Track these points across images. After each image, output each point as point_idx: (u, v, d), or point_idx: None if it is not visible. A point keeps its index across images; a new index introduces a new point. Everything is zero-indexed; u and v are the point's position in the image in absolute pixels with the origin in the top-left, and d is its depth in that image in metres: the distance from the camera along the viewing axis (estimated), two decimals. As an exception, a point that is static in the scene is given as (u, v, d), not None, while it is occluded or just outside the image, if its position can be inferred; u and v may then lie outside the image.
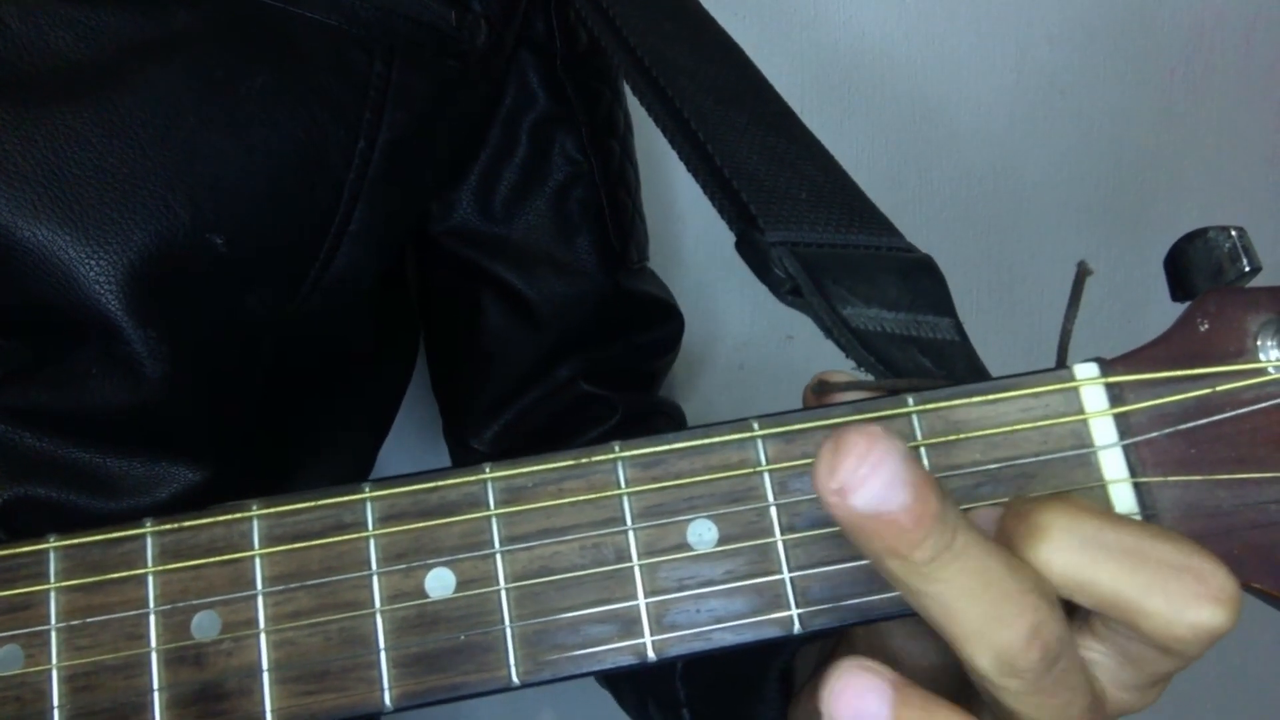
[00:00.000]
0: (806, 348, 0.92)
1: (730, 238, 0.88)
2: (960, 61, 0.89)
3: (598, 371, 0.59)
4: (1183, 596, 0.26)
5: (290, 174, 0.45)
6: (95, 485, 0.43)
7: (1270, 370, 0.31)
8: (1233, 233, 0.33)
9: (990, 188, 0.92)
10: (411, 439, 0.72)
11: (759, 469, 0.31)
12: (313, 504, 0.31)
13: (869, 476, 0.24)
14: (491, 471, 0.31)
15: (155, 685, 0.31)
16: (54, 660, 0.31)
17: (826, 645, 0.42)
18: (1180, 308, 0.33)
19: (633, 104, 0.63)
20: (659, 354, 0.63)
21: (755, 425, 0.31)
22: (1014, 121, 0.91)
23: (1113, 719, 0.30)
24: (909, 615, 0.30)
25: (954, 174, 0.91)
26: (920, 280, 0.37)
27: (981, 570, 0.25)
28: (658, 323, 0.62)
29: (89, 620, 0.31)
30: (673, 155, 0.83)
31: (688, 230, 0.84)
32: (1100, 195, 0.94)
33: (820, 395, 0.32)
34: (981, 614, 0.25)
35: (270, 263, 0.46)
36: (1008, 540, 0.27)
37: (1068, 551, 0.26)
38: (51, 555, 0.31)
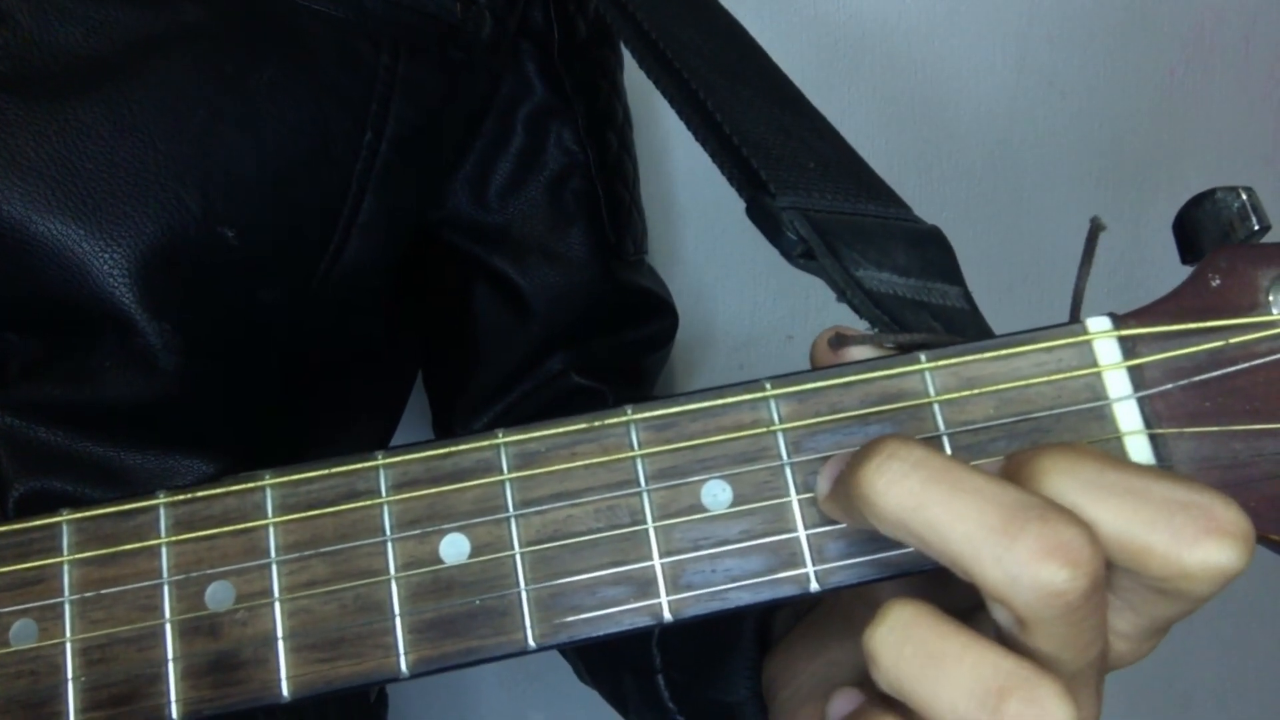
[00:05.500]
0: (806, 347, 0.91)
1: (730, 238, 0.88)
2: (960, 61, 0.89)
3: (589, 365, 0.59)
4: (1189, 532, 0.25)
5: (299, 166, 0.45)
6: (110, 478, 0.44)
7: (1283, 324, 0.31)
8: (1242, 193, 0.33)
9: (990, 188, 0.92)
10: (408, 432, 0.72)
11: (772, 428, 0.31)
12: (325, 472, 0.31)
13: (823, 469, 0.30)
14: (504, 436, 0.31)
15: (170, 656, 0.30)
16: (68, 633, 0.31)
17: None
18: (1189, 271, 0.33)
19: (633, 100, 0.63)
20: (651, 349, 0.63)
21: (768, 385, 0.31)
22: (1014, 121, 0.92)
23: (1110, 669, 0.29)
24: (925, 570, 0.30)
25: (954, 174, 0.91)
26: (929, 249, 0.37)
27: (957, 480, 0.25)
28: (651, 317, 0.62)
29: (103, 592, 0.31)
30: (673, 154, 0.84)
31: (687, 230, 0.84)
32: (1100, 195, 0.94)
33: (836, 347, 0.32)
34: (977, 527, 0.25)
35: (281, 255, 0.46)
36: None
37: (1070, 493, 0.26)
38: (64, 529, 0.31)
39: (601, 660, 0.54)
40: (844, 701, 0.29)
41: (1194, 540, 0.25)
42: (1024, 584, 0.24)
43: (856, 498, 0.27)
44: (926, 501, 0.26)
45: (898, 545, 0.29)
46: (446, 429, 0.61)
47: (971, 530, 0.25)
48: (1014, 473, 0.27)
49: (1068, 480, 0.26)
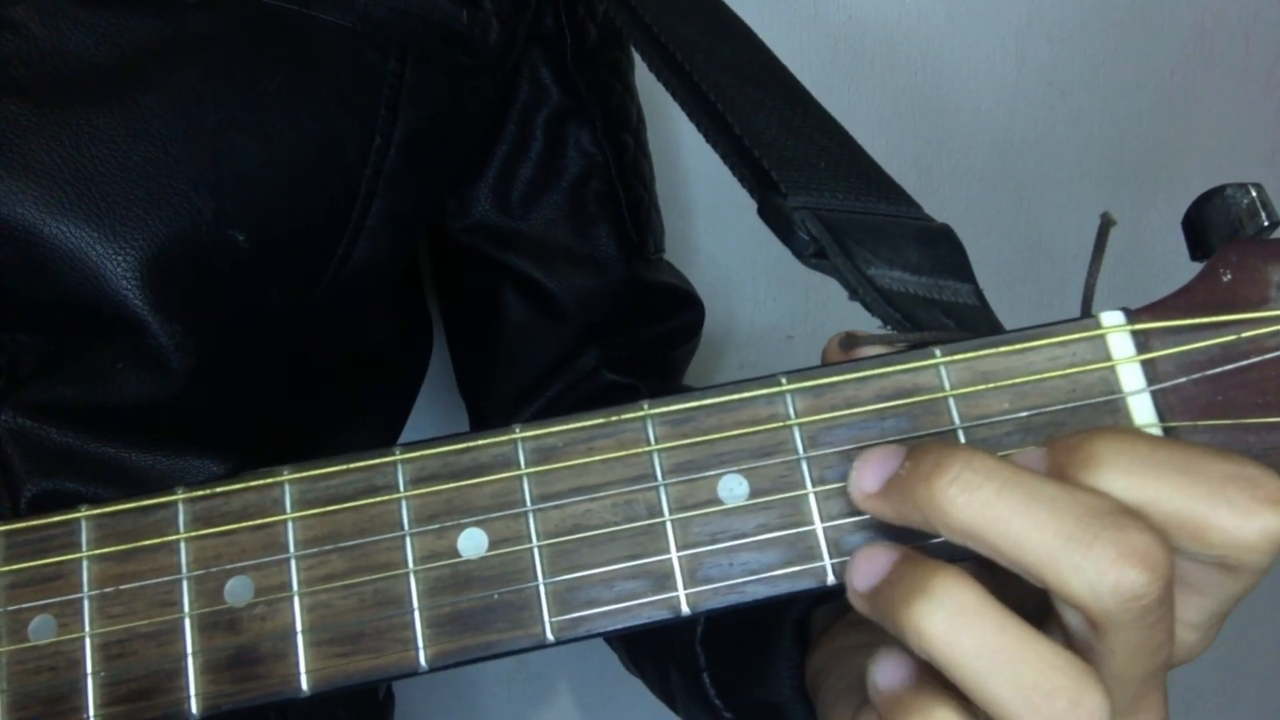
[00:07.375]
0: (806, 347, 0.92)
1: (729, 238, 0.88)
2: (960, 61, 0.89)
3: (621, 360, 0.59)
4: (1243, 502, 0.26)
5: (309, 170, 0.46)
6: (122, 479, 0.44)
7: (1293, 319, 0.31)
8: (1251, 189, 0.33)
9: (990, 187, 0.92)
10: (422, 432, 0.72)
11: (789, 423, 0.31)
12: (344, 468, 0.31)
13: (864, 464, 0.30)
14: (522, 432, 0.32)
15: (189, 651, 0.31)
16: (87, 629, 0.31)
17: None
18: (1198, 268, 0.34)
19: (644, 100, 0.63)
20: (680, 342, 0.63)
21: (784, 380, 0.31)
22: (1014, 121, 0.92)
23: (1178, 664, 0.30)
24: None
25: (954, 174, 0.91)
26: (940, 246, 0.38)
27: (1030, 489, 0.26)
28: (678, 311, 0.63)
29: (122, 588, 0.31)
30: (673, 154, 0.84)
31: (687, 231, 0.84)
32: (1100, 195, 0.94)
33: (848, 349, 0.32)
34: (1054, 536, 0.25)
35: (290, 257, 0.46)
36: (1062, 474, 0.27)
37: (1128, 474, 0.26)
38: (83, 524, 0.32)
39: (647, 655, 0.55)
40: (891, 669, 0.29)
41: (1249, 510, 0.26)
42: (1104, 589, 0.25)
43: (926, 509, 0.27)
44: (1003, 514, 0.26)
45: (921, 537, 0.29)
46: (483, 427, 0.62)
47: (1049, 539, 0.25)
48: (1065, 460, 0.27)
49: (1125, 460, 0.27)
